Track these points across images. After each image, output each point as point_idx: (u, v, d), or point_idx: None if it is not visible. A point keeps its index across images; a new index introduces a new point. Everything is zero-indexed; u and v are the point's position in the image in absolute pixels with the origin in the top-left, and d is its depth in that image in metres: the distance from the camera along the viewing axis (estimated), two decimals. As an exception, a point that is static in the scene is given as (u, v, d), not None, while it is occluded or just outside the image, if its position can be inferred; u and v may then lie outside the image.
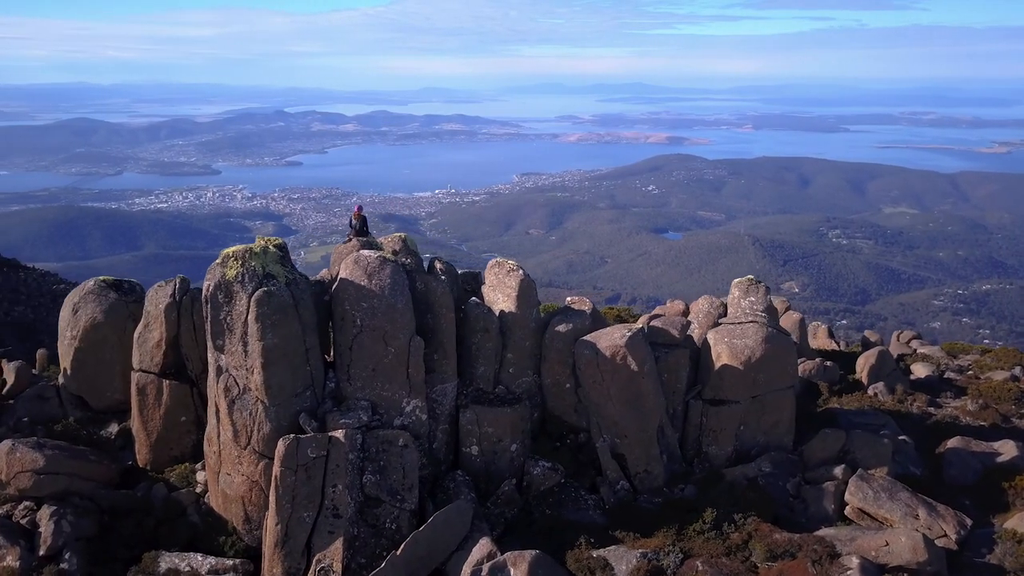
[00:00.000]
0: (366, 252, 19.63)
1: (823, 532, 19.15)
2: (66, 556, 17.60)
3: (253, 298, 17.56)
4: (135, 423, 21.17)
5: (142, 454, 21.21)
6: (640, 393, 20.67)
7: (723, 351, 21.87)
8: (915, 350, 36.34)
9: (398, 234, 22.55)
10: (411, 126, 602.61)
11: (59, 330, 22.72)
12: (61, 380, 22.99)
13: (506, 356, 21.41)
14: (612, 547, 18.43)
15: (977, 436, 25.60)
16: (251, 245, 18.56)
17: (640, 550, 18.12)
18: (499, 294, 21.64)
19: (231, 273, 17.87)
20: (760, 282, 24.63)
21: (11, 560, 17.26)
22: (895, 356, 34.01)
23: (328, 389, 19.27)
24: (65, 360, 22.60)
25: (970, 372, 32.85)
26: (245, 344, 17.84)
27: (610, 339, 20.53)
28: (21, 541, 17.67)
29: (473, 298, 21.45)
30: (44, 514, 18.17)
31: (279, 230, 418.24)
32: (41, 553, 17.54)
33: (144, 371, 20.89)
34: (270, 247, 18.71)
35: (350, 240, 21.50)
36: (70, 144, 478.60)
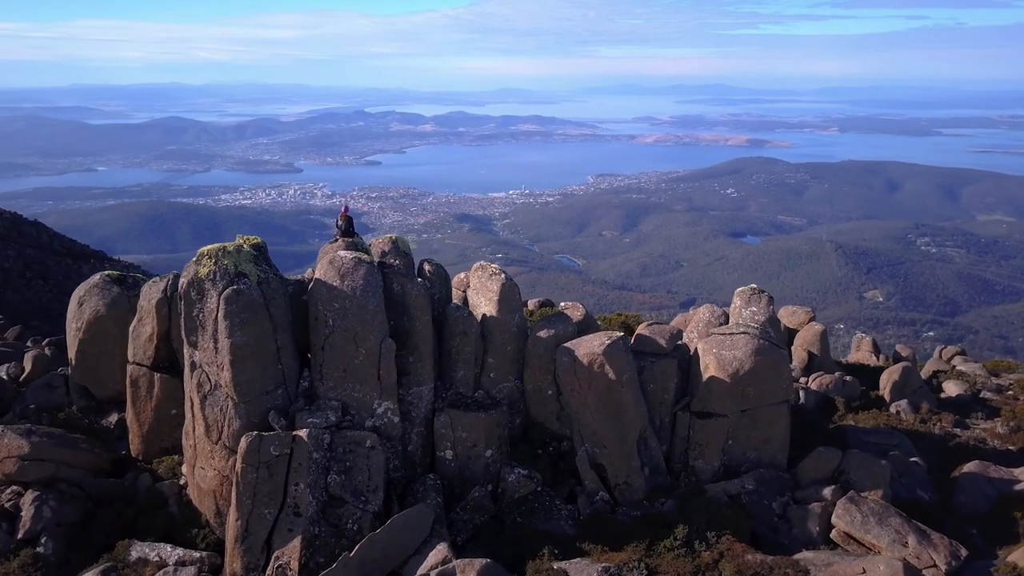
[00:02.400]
0: (342, 253, 19.75)
1: (801, 555, 18.30)
2: (43, 540, 18.31)
3: (222, 296, 17.89)
4: (129, 414, 21.86)
5: (134, 444, 21.89)
6: (619, 402, 20.19)
7: (711, 362, 21.16)
8: (954, 367, 34.43)
9: (389, 235, 22.64)
10: (487, 127, 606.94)
11: (67, 321, 23.68)
12: (68, 370, 23.95)
13: (487, 361, 21.22)
14: (576, 560, 18.01)
15: (1001, 461, 24.12)
16: (226, 244, 18.90)
17: (603, 564, 17.65)
18: (482, 298, 21.48)
19: (203, 271, 18.24)
20: (763, 292, 23.79)
21: (-9, 541, 18.08)
22: (931, 372, 32.34)
23: (301, 388, 19.47)
24: (71, 351, 23.52)
25: (1009, 392, 30.92)
26: (216, 341, 18.18)
27: (589, 346, 20.11)
28: (3, 524, 18.48)
29: (455, 301, 21.33)
30: (27, 499, 18.93)
31: (357, 228, 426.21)
32: (19, 536, 18.30)
33: (137, 364, 21.55)
34: (245, 246, 19.03)
35: (336, 240, 21.66)
36: (162, 142, 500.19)
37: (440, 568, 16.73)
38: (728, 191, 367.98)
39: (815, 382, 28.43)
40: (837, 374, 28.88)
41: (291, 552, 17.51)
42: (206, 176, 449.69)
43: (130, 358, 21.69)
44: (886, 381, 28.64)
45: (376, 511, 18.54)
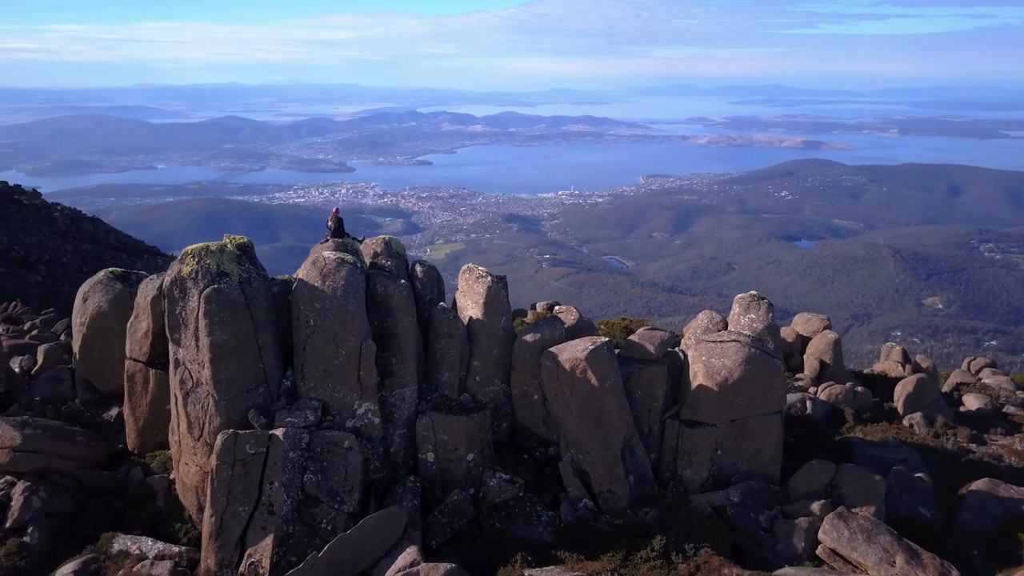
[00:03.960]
0: (326, 253, 19.86)
1: (781, 571, 17.75)
2: (29, 530, 18.81)
3: (203, 295, 18.14)
4: (125, 408, 22.32)
5: (131, 438, 22.34)
6: (602, 409, 19.88)
7: (699, 370, 20.71)
8: (979, 380, 33.13)
9: (382, 236, 22.74)
10: (538, 127, 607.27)
11: (72, 316, 24.31)
12: (74, 364, 24.60)
13: (473, 364, 21.13)
14: (550, 567, 17.78)
15: (1016, 480, 23.13)
16: (210, 243, 19.15)
17: (576, 573, 17.41)
18: (469, 300, 21.40)
19: (186, 270, 18.52)
20: (762, 299, 23.22)
21: (-20, 530, 18.66)
22: (954, 384, 31.18)
23: (284, 387, 19.63)
24: (75, 345, 24.13)
25: (1035, 407, 29.65)
26: (197, 339, 18.45)
27: (572, 351, 19.86)
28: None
29: (442, 303, 21.27)
30: (18, 489, 19.48)
31: (407, 227, 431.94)
32: (7, 526, 18.83)
33: (134, 359, 21.98)
34: (229, 246, 19.26)
35: (327, 241, 21.79)
36: (220, 140, 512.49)
37: (406, 571, 16.68)
38: (782, 194, 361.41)
39: (824, 392, 27.62)
40: (848, 384, 28.03)
41: (263, 550, 17.66)
42: (261, 174, 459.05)
43: (127, 354, 22.13)
44: (900, 393, 27.69)
45: (351, 512, 18.59)
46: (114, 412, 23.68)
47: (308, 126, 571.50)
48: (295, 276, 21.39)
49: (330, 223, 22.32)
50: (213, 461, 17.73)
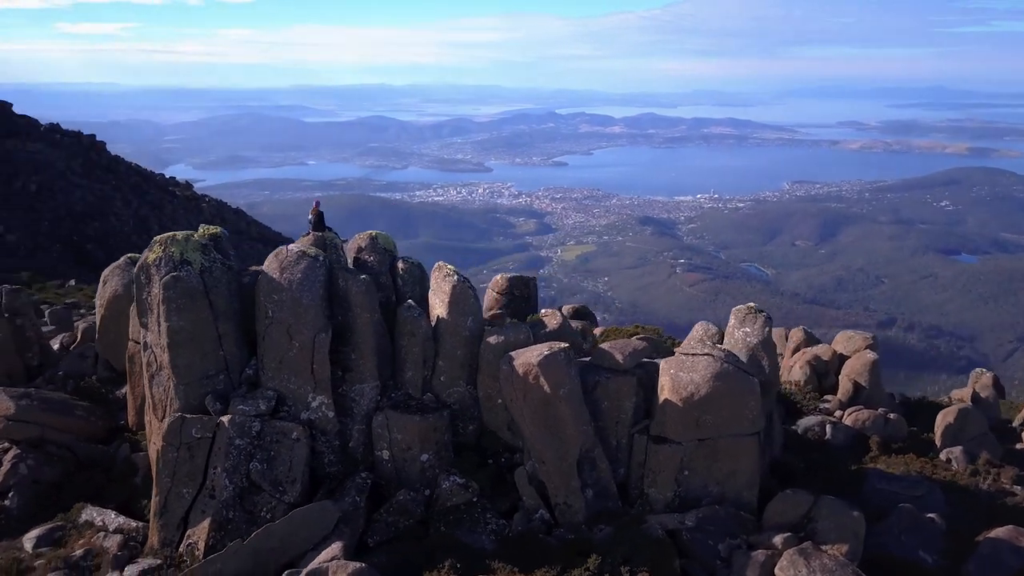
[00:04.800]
0: (289, 246, 20.14)
1: (719, 606, 16.43)
2: (10, 495, 20.21)
3: (162, 282, 18.83)
4: (127, 387, 23.60)
5: (130, 416, 23.57)
6: (557, 418, 19.06)
7: (667, 383, 19.47)
8: (1054, 414, 29.36)
9: (370, 232, 22.87)
10: (678, 129, 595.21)
11: (95, 298, 25.97)
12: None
13: (438, 363, 20.83)
14: (477, 576, 17.29)
15: (1052, 530, 20.33)
16: (178, 233, 19.84)
17: (501, 585, 16.83)
18: (437, 299, 21.11)
19: (152, 257, 19.28)
20: (761, 312, 21.58)
21: (-33, 491, 20.25)
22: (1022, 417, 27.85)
23: (246, 375, 20.05)
24: (97, 325, 25.75)
25: (1111, 449, 25.93)
26: (159, 324, 19.18)
27: (527, 356, 19.15)
28: (-17, 476, 20.60)
29: (409, 301, 21.09)
30: (8, 456, 20.97)
31: (540, 228, 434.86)
32: (-6, 489, 20.33)
33: (134, 341, 23.12)
34: (195, 236, 19.85)
35: (308, 235, 22.11)
36: (366, 139, 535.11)
37: (320, 565, 16.64)
38: (942, 203, 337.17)
39: (850, 416, 25.34)
40: (880, 410, 25.58)
41: (200, 532, 18.14)
42: (403, 173, 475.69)
43: (130, 335, 23.37)
44: (940, 423, 24.99)
45: (291, 502, 18.77)
46: (125, 390, 25.08)
47: (450, 126, 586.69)
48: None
49: (311, 217, 22.65)
50: (160, 442, 18.39)
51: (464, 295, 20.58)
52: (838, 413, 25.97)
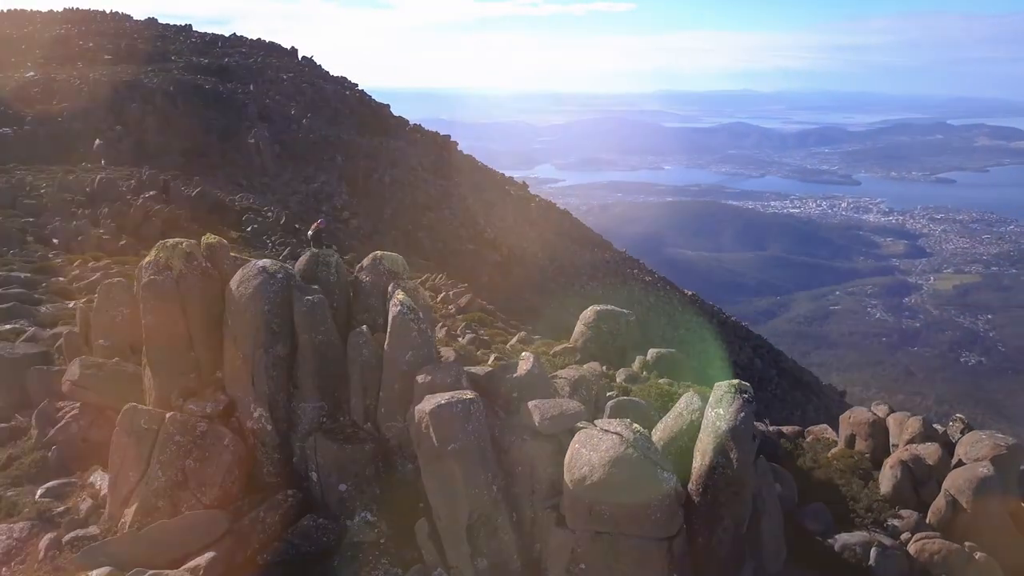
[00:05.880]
0: (255, 261, 20.96)
1: None
2: (53, 448, 23.87)
3: (142, 283, 20.86)
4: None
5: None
6: (448, 475, 17.48)
7: (567, 459, 16.76)
8: None
9: (377, 252, 22.93)
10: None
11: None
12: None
13: (380, 395, 20.23)
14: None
15: None
16: (171, 240, 21.71)
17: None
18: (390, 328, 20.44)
19: (147, 259, 21.41)
20: (743, 392, 17.55)
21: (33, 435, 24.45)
22: None
23: (216, 377, 21.39)
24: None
25: None
26: (143, 319, 21.30)
27: (428, 403, 17.82)
28: (38, 430, 24.62)
29: (363, 327, 20.71)
30: (66, 414, 24.77)
31: (910, 251, 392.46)
32: (44, 439, 24.17)
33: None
34: (184, 244, 21.54)
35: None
36: (725, 146, 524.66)
37: (169, 571, 17.31)
38: None
39: (916, 544, 19.27)
40: (968, 545, 19.07)
41: (130, 514, 19.85)
42: (759, 181, 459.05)
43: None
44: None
45: (208, 504, 19.66)
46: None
47: (817, 135, 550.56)
48: None
49: (310, 233, 23.24)
50: (115, 428, 20.45)
51: (404, 327, 19.72)
52: (905, 535, 19.97)
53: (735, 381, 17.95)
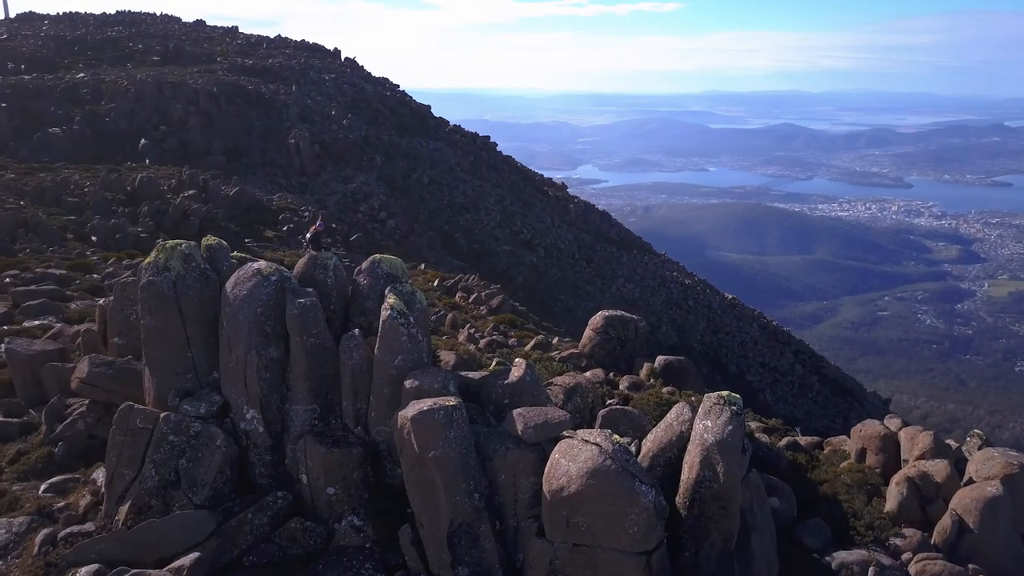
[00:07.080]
0: (250, 263, 21.04)
1: None
2: (59, 444, 24.31)
3: (140, 284, 21.11)
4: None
5: (195, 395, 26.68)
6: (429, 481, 17.31)
7: (547, 469, 16.45)
8: None
9: (377, 255, 22.85)
10: None
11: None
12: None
13: (371, 399, 20.15)
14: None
15: None
16: (170, 241, 21.92)
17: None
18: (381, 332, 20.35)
19: (147, 261, 21.66)
20: (731, 404, 17.06)
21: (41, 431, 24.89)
22: None
23: (212, 377, 21.56)
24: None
25: None
26: (140, 320, 21.56)
27: (411, 409, 17.65)
28: (55, 424, 25.07)
29: (355, 331, 20.65)
30: (76, 412, 25.22)
31: (963, 256, 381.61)
32: (52, 436, 24.63)
33: (200, 331, 26.15)
34: (183, 246, 21.71)
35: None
36: (771, 147, 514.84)
37: (153, 571, 17.46)
38: None
39: (917, 565, 18.47)
40: (971, 568, 18.22)
41: (124, 511, 20.09)
42: (807, 184, 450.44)
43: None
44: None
45: (198, 504, 19.80)
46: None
47: (867, 136, 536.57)
48: None
49: (307, 236, 23.26)
50: (112, 426, 20.72)
51: (394, 331, 19.60)
52: (907, 555, 19.18)
53: (725, 392, 17.46)
